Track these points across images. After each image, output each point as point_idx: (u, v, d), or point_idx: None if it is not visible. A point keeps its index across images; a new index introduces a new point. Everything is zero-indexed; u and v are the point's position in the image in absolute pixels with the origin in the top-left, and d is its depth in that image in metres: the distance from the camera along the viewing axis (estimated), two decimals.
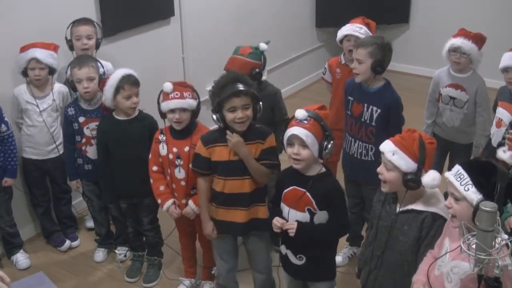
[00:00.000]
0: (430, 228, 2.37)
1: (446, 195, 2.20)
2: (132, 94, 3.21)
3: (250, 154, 2.79)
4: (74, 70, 3.39)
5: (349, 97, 3.29)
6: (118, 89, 3.20)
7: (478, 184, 2.01)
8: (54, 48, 3.53)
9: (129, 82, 3.19)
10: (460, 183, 2.04)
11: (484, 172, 2.03)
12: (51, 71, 3.53)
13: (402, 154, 2.35)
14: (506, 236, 1.91)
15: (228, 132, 2.77)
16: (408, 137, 2.39)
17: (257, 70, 3.34)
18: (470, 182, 2.02)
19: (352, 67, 3.20)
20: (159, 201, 3.18)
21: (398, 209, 2.46)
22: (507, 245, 1.84)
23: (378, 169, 2.43)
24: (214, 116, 2.76)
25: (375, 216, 2.57)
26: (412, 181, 2.34)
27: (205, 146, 2.85)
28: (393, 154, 2.36)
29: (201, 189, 2.94)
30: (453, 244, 2.18)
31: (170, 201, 3.15)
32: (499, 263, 1.81)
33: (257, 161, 2.81)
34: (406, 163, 2.34)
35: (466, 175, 2.04)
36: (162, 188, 3.17)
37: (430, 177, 2.32)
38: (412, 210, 2.41)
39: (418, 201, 2.42)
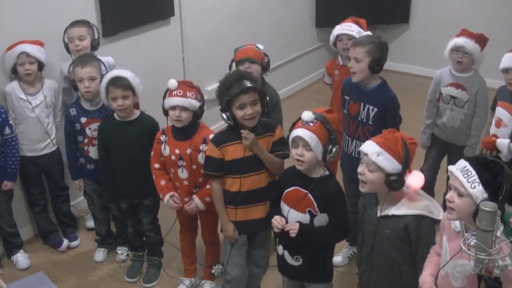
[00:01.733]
0: (418, 230, 2.36)
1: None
2: (117, 96, 3.19)
3: (264, 148, 2.82)
4: (76, 69, 3.39)
5: (346, 97, 3.29)
6: (106, 89, 3.21)
7: (486, 182, 1.99)
8: (40, 44, 3.53)
9: (113, 85, 3.19)
10: (467, 179, 2.01)
11: (492, 171, 2.01)
12: (40, 66, 3.53)
13: (387, 155, 2.33)
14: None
15: (242, 131, 2.77)
16: (391, 137, 2.38)
17: (265, 61, 3.43)
18: (478, 180, 2.00)
19: (349, 66, 3.19)
20: (160, 195, 3.19)
21: (378, 213, 2.44)
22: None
23: (359, 170, 2.40)
24: (224, 115, 2.76)
25: (360, 220, 2.56)
26: (396, 182, 2.33)
27: (218, 147, 2.84)
28: (378, 155, 2.33)
29: (216, 192, 2.92)
30: (451, 243, 2.18)
31: (168, 194, 3.15)
32: (499, 263, 1.81)
33: (270, 153, 2.84)
34: (391, 164, 2.33)
35: (474, 172, 2.01)
36: (163, 182, 3.17)
37: (416, 178, 2.33)
38: (393, 216, 2.40)
39: (399, 203, 2.40)
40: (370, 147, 2.37)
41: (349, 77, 3.36)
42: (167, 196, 3.15)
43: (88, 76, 3.37)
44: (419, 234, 2.36)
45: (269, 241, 3.10)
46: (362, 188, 2.43)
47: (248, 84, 2.72)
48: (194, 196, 3.11)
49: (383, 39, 3.22)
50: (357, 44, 3.15)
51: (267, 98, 2.81)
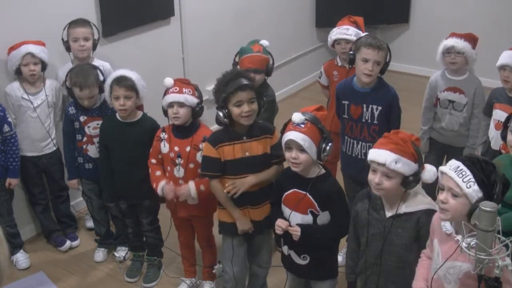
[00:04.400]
0: (427, 224, 2.34)
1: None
2: (119, 95, 3.18)
3: (256, 177, 2.80)
4: (75, 89, 3.38)
5: (344, 101, 3.27)
6: (110, 88, 3.21)
7: (481, 182, 1.99)
8: (43, 44, 3.54)
9: (117, 84, 3.18)
10: (462, 179, 2.01)
11: (485, 170, 2.02)
12: (43, 66, 3.54)
13: (405, 160, 2.31)
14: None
15: (229, 185, 2.78)
16: (399, 140, 2.35)
17: (269, 65, 3.43)
18: (473, 180, 2.00)
19: (368, 68, 3.09)
20: (154, 185, 3.14)
21: (388, 214, 2.43)
22: (506, 245, 1.84)
23: (377, 180, 2.34)
24: (221, 113, 2.74)
25: (363, 224, 2.52)
26: (414, 181, 2.33)
27: (214, 147, 2.82)
28: (396, 163, 2.30)
29: (218, 190, 2.87)
30: (442, 246, 2.17)
31: (162, 182, 3.11)
32: (499, 263, 1.81)
33: (270, 157, 2.82)
34: (409, 167, 2.31)
35: (468, 171, 2.01)
36: (158, 173, 3.15)
37: (431, 173, 2.33)
38: (404, 214, 2.39)
39: (407, 202, 2.40)
40: (386, 157, 2.31)
41: (341, 82, 3.37)
42: (162, 182, 3.10)
43: (87, 96, 3.39)
44: (427, 229, 2.35)
45: (269, 242, 3.09)
46: (379, 192, 2.39)
47: (247, 82, 2.73)
48: (190, 181, 3.06)
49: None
50: (380, 47, 3.10)
51: (264, 98, 2.80)
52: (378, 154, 2.34)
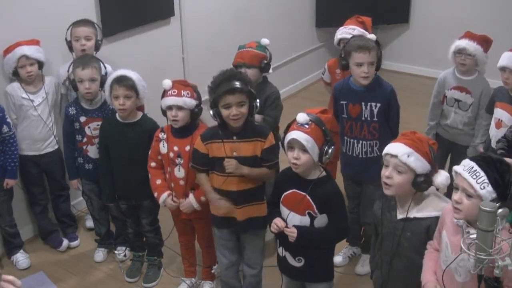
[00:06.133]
0: None
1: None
2: (119, 95, 3.19)
3: (250, 169, 2.81)
4: (77, 70, 3.39)
5: (342, 102, 3.27)
6: (110, 87, 3.22)
7: (495, 183, 2.00)
8: (37, 42, 3.55)
9: (117, 82, 3.19)
10: (476, 180, 2.01)
11: (499, 171, 2.02)
12: (40, 65, 3.55)
13: (418, 156, 2.31)
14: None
15: (226, 159, 2.78)
16: (417, 138, 2.36)
17: (265, 61, 3.41)
18: (487, 181, 2.00)
19: (364, 71, 3.10)
20: (155, 194, 3.18)
21: (399, 216, 2.43)
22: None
23: (387, 173, 2.35)
24: (211, 112, 2.77)
25: (378, 223, 2.54)
26: (424, 183, 2.33)
27: (203, 142, 2.85)
28: (409, 156, 2.30)
29: (203, 179, 2.93)
30: (452, 238, 2.18)
31: (165, 193, 3.14)
32: (499, 263, 1.81)
33: (261, 161, 2.82)
34: (421, 164, 2.32)
35: (482, 172, 2.01)
36: (158, 182, 3.17)
37: (443, 177, 2.33)
38: (414, 218, 2.39)
39: (421, 205, 2.39)
40: (400, 149, 2.33)
41: (338, 83, 3.37)
42: (164, 195, 3.14)
43: (89, 78, 3.38)
44: None
45: (258, 242, 3.07)
46: (388, 191, 2.39)
47: (237, 85, 2.71)
48: (190, 195, 3.10)
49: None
50: (371, 48, 3.10)
51: (257, 101, 2.79)
52: (392, 147, 2.36)
